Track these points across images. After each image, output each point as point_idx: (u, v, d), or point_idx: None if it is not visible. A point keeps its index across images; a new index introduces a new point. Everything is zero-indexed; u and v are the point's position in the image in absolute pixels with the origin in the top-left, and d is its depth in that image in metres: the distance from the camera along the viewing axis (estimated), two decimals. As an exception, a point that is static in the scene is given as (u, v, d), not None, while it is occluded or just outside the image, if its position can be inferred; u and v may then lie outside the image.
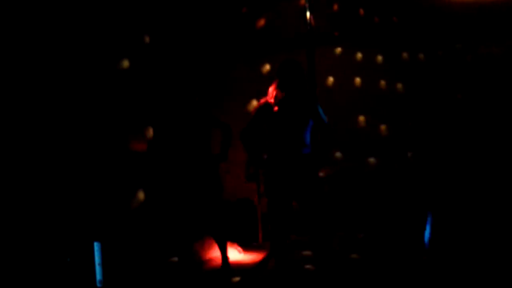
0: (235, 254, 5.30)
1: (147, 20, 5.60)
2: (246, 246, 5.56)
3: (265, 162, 4.33)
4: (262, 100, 4.39)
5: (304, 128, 4.27)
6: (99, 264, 4.13)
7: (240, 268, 4.97)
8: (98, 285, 4.12)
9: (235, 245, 5.43)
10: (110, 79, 5.33)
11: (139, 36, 5.63)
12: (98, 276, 4.12)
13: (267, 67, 6.23)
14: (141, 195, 5.43)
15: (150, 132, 5.67)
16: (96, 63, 5.21)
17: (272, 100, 4.32)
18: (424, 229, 4.65)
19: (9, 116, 4.76)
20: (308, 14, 5.50)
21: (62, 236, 4.68)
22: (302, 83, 4.33)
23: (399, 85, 6.23)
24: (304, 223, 4.30)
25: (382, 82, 6.24)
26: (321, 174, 4.56)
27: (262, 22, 6.24)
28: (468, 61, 6.06)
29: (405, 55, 6.24)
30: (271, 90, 4.40)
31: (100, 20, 5.22)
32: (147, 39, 5.69)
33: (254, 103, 5.98)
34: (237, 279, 4.73)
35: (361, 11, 6.26)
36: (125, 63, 5.49)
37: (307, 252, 5.02)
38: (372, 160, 6.10)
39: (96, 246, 4.16)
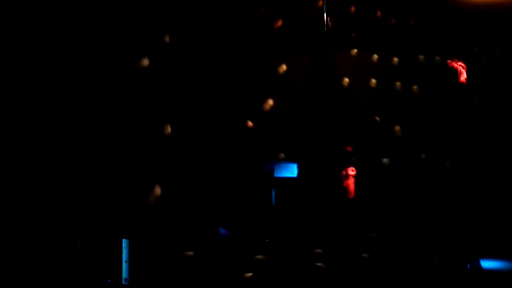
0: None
1: (167, 20, 5.69)
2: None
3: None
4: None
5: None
6: (125, 262, 4.11)
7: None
8: (124, 282, 4.10)
9: None
10: (130, 78, 5.44)
11: (159, 35, 5.73)
12: (124, 273, 4.11)
13: (284, 67, 6.30)
14: (157, 190, 5.53)
15: (169, 129, 5.76)
16: (116, 61, 5.32)
17: None
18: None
19: (32, 116, 4.87)
20: (325, 15, 5.57)
21: (88, 233, 4.70)
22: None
23: (415, 87, 6.26)
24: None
25: (398, 84, 6.28)
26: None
27: (279, 23, 6.31)
28: (484, 64, 6.08)
29: (421, 57, 6.27)
30: None
31: (119, 20, 5.33)
32: (167, 39, 5.79)
33: (270, 102, 6.06)
34: (249, 274, 4.80)
35: (378, 13, 6.30)
36: (145, 62, 5.59)
37: (318, 250, 5.08)
38: (385, 160, 6.14)
39: (124, 243, 4.14)
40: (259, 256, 5.13)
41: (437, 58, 6.23)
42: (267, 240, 5.79)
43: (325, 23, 5.60)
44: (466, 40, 6.14)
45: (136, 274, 4.31)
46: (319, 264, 4.84)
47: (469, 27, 6.11)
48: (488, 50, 6.10)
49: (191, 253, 5.19)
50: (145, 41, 5.58)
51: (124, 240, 4.13)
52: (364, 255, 5.09)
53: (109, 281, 4.36)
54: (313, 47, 5.80)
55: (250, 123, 5.92)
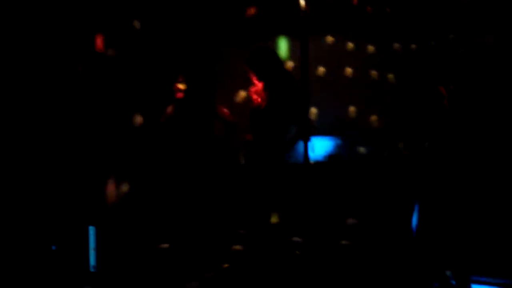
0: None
1: (137, 4, 5.53)
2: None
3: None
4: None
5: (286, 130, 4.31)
6: (93, 249, 4.08)
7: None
8: (92, 270, 4.06)
9: None
10: (94, 67, 5.25)
11: (129, 21, 5.56)
12: (92, 261, 4.06)
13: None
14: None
15: (139, 119, 5.59)
16: (81, 49, 5.14)
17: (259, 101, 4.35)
18: (412, 216, 4.62)
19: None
20: (301, 1, 5.45)
21: (55, 221, 4.59)
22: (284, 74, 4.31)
23: (391, 76, 6.19)
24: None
25: (374, 73, 6.20)
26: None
27: (253, 7, 6.18)
28: (461, 51, 6.04)
29: (397, 45, 6.20)
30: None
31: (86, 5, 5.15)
32: (137, 25, 5.62)
33: (242, 94, 5.92)
34: (226, 265, 4.68)
35: (355, 0, 6.22)
36: (111, 51, 5.41)
37: (297, 238, 4.96)
38: (362, 149, 6.06)
39: (91, 230, 4.10)
40: (237, 247, 5.00)
41: (413, 46, 6.17)
42: (241, 232, 5.67)
43: (301, 9, 5.48)
44: (442, 27, 6.09)
45: (106, 262, 4.17)
46: (297, 252, 4.73)
47: (445, 15, 6.07)
48: (464, 38, 6.07)
49: (166, 245, 5.03)
50: (114, 27, 5.41)
51: (91, 228, 4.03)
52: (344, 242, 5.00)
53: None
54: (288, 34, 5.70)
55: (226, 110, 5.79)
